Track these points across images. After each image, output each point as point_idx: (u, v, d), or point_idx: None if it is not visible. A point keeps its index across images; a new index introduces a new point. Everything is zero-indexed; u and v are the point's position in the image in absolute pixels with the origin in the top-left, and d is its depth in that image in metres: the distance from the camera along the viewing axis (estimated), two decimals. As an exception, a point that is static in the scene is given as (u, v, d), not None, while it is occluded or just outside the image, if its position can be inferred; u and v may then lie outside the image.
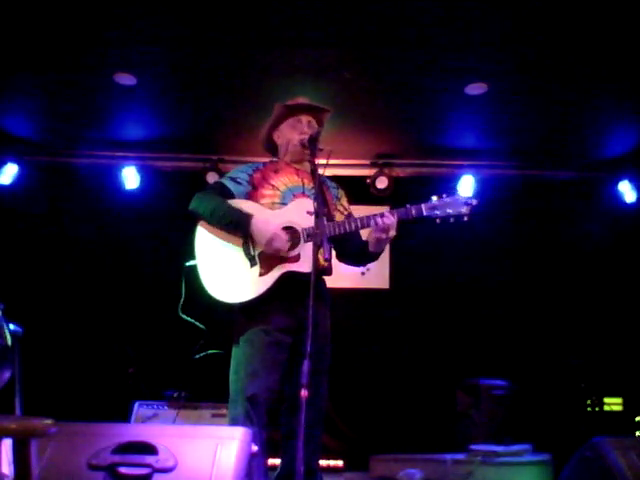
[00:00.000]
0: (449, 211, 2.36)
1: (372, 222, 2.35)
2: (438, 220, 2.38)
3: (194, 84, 3.86)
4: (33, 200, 4.92)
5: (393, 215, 2.35)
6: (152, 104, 4.16)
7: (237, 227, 2.41)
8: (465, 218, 2.38)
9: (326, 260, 2.44)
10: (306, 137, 2.49)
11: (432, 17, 3.12)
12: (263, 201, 2.50)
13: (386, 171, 4.92)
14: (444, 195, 2.39)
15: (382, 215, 2.34)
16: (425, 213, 2.37)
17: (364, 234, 2.52)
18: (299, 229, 2.40)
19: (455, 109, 4.14)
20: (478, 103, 4.02)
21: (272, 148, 2.76)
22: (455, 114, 4.23)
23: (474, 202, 2.39)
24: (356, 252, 2.60)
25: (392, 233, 2.35)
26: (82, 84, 3.83)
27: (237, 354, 2.42)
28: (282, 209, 2.48)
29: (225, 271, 2.41)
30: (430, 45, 3.38)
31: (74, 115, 4.29)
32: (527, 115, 4.19)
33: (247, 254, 2.41)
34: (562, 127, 4.34)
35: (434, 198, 2.39)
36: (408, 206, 2.39)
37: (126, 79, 3.75)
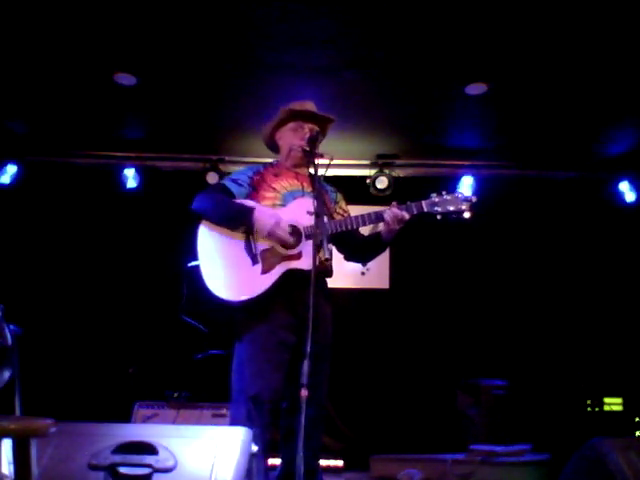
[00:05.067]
0: (449, 208, 2.40)
1: (383, 216, 2.38)
2: (439, 216, 2.42)
3: (194, 84, 3.86)
4: (33, 200, 4.93)
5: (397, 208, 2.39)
6: (152, 104, 4.16)
7: (239, 218, 2.42)
8: (466, 214, 2.40)
9: (326, 260, 2.45)
10: (306, 142, 2.48)
11: (432, 16, 3.12)
12: (264, 203, 2.50)
13: (386, 171, 4.92)
14: (444, 192, 2.43)
15: (389, 209, 2.38)
16: (425, 209, 2.41)
17: (366, 230, 2.54)
18: (301, 228, 2.41)
19: (455, 109, 4.14)
20: (478, 103, 4.02)
21: (274, 147, 2.77)
22: (455, 114, 4.23)
23: (474, 199, 2.44)
24: (363, 248, 2.63)
25: (406, 217, 2.37)
26: (83, 84, 3.83)
27: (240, 353, 2.41)
28: (283, 209, 2.48)
29: (227, 270, 2.41)
30: (430, 45, 3.38)
31: (74, 115, 4.29)
32: (527, 115, 4.19)
33: (249, 252, 2.42)
34: (562, 127, 4.34)
35: (434, 195, 2.43)
36: (409, 203, 2.42)
37: (126, 79, 3.75)
